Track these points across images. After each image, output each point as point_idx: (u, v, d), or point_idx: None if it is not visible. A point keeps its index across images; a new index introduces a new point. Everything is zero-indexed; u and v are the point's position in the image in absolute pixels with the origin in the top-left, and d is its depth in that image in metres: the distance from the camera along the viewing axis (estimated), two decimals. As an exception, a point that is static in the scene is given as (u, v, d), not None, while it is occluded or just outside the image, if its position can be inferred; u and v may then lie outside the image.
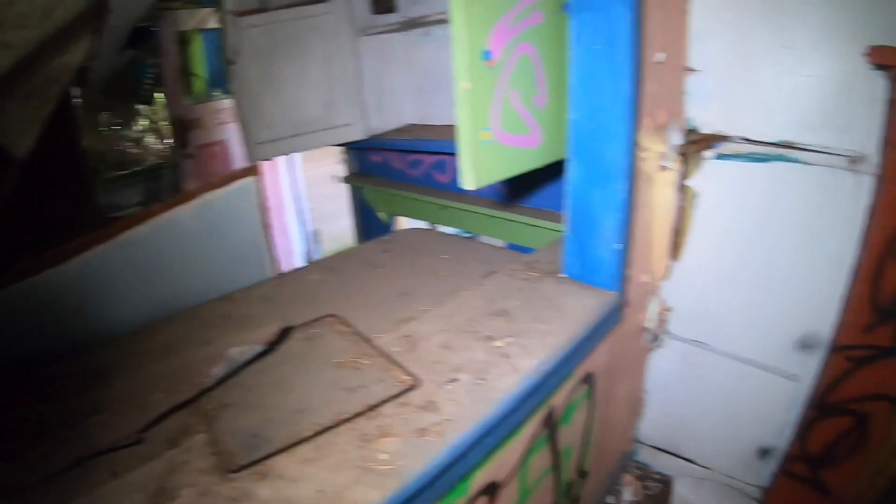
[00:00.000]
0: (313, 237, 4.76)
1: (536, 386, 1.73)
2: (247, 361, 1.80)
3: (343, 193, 4.14)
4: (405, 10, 3.54)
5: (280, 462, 1.34)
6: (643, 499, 2.94)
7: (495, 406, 1.58)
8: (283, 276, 2.76)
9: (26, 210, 3.10)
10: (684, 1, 2.29)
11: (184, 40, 4.65)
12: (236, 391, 1.65)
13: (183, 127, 4.54)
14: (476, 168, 1.91)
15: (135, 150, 4.39)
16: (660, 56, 2.14)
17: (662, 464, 3.10)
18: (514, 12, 1.91)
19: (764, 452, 2.85)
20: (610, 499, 2.94)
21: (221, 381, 1.71)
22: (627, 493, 2.95)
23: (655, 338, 2.79)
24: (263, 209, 2.96)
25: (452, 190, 3.12)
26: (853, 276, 2.33)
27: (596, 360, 2.13)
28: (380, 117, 3.40)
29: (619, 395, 2.55)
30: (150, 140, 4.42)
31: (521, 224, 3.12)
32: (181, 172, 4.46)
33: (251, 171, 2.96)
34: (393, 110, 3.49)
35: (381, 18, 3.43)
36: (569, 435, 2.18)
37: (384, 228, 4.10)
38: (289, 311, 2.10)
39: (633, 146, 2.03)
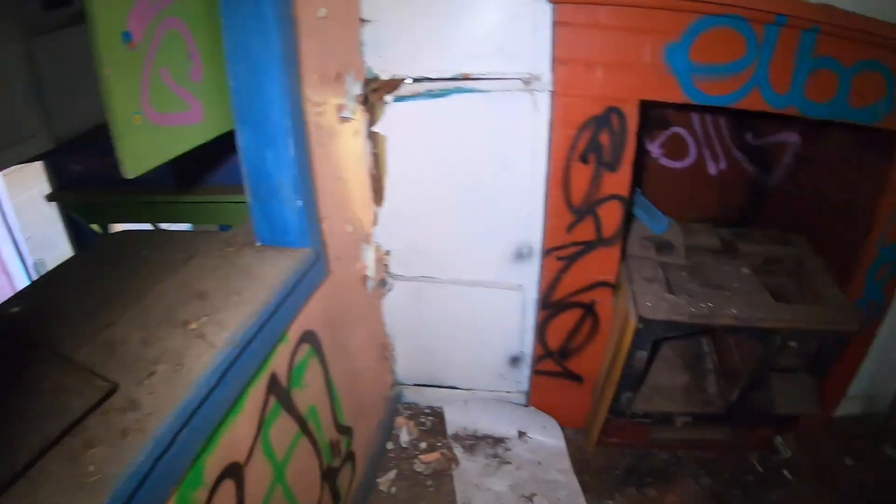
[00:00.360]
0: (37, 269, 4.23)
1: (235, 357, 1.71)
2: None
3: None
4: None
5: (-1, 506, 1.22)
6: (420, 435, 3.09)
7: (194, 387, 1.53)
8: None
9: None
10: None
11: None
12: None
13: None
14: (133, 154, 1.79)
15: None
16: (322, 11, 2.16)
17: (429, 398, 3.28)
18: (153, -11, 1.80)
19: (514, 360, 3.13)
20: (389, 444, 3.04)
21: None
22: (404, 434, 3.07)
23: (383, 283, 2.89)
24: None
25: (157, 184, 2.96)
26: (548, 185, 2.59)
27: (311, 318, 2.14)
28: (68, 122, 3.02)
29: (357, 345, 2.61)
30: None
31: (229, 204, 3.04)
32: None
33: None
34: (81, 112, 3.13)
35: (55, 13, 3.04)
36: (308, 396, 2.18)
37: (105, 241, 3.70)
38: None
39: (298, 103, 2.03)
